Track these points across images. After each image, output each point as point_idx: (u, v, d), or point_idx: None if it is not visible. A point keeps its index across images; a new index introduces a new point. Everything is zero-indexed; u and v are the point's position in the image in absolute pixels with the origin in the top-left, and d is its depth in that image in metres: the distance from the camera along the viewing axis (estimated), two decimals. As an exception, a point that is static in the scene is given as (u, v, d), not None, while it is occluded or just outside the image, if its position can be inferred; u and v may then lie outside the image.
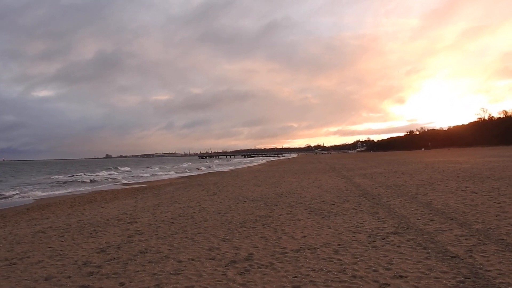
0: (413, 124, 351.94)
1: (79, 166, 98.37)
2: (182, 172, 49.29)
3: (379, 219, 8.44)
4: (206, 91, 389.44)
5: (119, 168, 71.46)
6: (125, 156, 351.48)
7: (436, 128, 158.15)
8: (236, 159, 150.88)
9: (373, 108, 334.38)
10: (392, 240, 6.48)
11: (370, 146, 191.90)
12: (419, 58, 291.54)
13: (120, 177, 42.90)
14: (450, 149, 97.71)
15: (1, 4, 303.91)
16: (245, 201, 12.68)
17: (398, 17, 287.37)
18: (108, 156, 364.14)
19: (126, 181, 35.03)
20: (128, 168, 70.34)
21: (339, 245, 6.44)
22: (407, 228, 7.31)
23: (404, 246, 6.06)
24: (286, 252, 6.15)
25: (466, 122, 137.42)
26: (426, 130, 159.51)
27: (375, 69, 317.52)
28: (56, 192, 26.20)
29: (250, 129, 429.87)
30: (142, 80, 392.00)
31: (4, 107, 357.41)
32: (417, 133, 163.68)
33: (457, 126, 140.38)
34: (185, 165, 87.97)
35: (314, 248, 6.32)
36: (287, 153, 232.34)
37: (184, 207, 12.30)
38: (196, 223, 9.12)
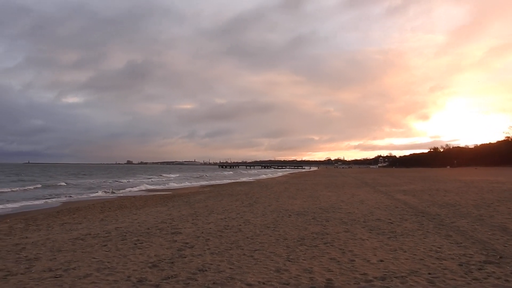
0: (436, 141, 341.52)
1: (117, 172, 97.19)
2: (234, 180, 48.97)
3: (457, 243, 7.46)
4: (229, 102, 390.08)
5: (163, 174, 72.12)
6: (146, 163, 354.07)
7: (461, 146, 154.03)
8: (268, 170, 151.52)
9: (395, 123, 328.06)
10: (493, 272, 5.51)
11: (392, 161, 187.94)
12: (443, 75, 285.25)
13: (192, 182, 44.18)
14: (477, 168, 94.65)
15: (43, 16, 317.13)
16: (290, 215, 11.82)
17: (424, 33, 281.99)
18: (129, 162, 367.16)
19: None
20: (177, 175, 71.44)
21: (429, 274, 5.52)
22: (501, 257, 6.32)
23: (514, 280, 5.10)
24: (370, 280, 5.26)
25: (491, 141, 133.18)
26: (451, 147, 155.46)
27: (399, 84, 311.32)
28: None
29: (270, 140, 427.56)
30: (167, 89, 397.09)
31: (34, 112, 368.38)
32: (442, 150, 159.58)
33: (484, 144, 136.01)
34: (225, 173, 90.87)
35: (402, 276, 5.42)
36: (307, 166, 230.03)
37: (225, 218, 11.52)
38: (247, 238, 8.30)
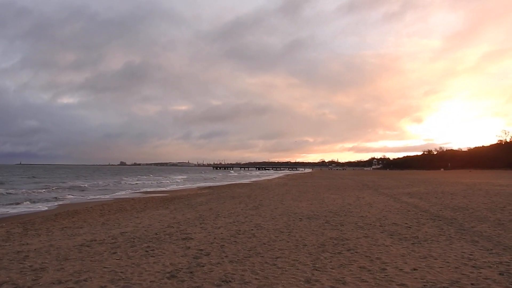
0: (429, 144, 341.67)
1: (117, 172, 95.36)
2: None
3: (487, 250, 7.07)
4: (225, 103, 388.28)
5: (170, 176, 71.84)
6: (139, 164, 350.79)
7: (454, 149, 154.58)
8: (267, 171, 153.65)
9: (390, 126, 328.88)
10: (542, 282, 5.12)
11: (386, 164, 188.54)
12: (438, 79, 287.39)
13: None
14: (471, 171, 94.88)
15: (43, 17, 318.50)
16: (301, 219, 11.38)
17: (420, 38, 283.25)
18: (122, 163, 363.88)
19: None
20: (185, 176, 71.27)
21: (472, 284, 5.12)
22: (541, 265, 5.94)
23: None
24: (412, 292, 4.84)
25: (484, 144, 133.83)
26: (444, 150, 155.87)
27: (394, 88, 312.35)
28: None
29: (265, 142, 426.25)
30: (164, 91, 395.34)
31: (28, 112, 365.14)
32: (435, 153, 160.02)
33: (477, 147, 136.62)
34: (230, 174, 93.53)
35: (444, 287, 5.01)
36: (301, 168, 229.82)
37: (234, 222, 11.06)
38: (264, 244, 7.85)
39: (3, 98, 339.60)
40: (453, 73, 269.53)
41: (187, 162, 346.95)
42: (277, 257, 6.69)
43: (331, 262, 6.37)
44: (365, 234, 8.84)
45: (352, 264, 6.20)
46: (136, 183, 45.11)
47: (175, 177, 67.82)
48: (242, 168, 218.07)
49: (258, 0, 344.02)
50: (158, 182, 50.33)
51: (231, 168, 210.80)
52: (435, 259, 6.50)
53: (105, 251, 7.35)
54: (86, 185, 39.11)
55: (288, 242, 8.01)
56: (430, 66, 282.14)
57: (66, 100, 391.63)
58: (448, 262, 6.25)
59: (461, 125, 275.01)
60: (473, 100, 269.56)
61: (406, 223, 10.23)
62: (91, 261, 6.60)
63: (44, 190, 31.52)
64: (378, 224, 10.16)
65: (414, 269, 5.88)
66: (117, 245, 7.98)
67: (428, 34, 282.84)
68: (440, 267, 5.96)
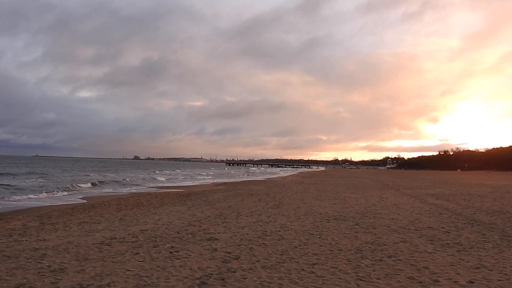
0: (444, 144, 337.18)
1: (137, 167, 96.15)
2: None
3: (545, 261, 6.40)
4: (240, 100, 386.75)
5: (199, 172, 71.56)
6: (153, 159, 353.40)
7: (471, 150, 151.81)
8: (283, 168, 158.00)
9: (405, 125, 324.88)
10: None
11: (400, 163, 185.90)
12: (456, 79, 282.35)
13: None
14: (489, 172, 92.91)
15: (66, 12, 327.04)
16: (328, 220, 10.80)
17: (438, 37, 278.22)
18: (136, 158, 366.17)
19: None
20: (211, 172, 71.66)
21: (544, 303, 4.49)
22: None
23: None
24: (477, 310, 4.24)
25: (502, 145, 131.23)
26: (461, 150, 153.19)
27: (410, 87, 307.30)
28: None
29: (278, 139, 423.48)
30: (180, 86, 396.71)
31: (47, 105, 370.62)
32: (451, 153, 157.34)
33: (496, 148, 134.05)
34: (250, 170, 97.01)
35: (513, 305, 4.39)
36: (314, 165, 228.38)
37: (257, 222, 10.52)
38: (295, 247, 7.29)
39: (22, 91, 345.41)
40: (471, 74, 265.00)
41: (200, 157, 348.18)
42: (314, 264, 6.12)
43: (374, 270, 5.77)
44: (402, 238, 8.21)
45: (398, 274, 5.59)
46: (169, 178, 46.27)
47: (202, 173, 67.65)
48: (255, 165, 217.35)
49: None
50: (191, 177, 51.62)
51: (245, 165, 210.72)
52: (490, 270, 5.85)
53: (126, 251, 6.86)
54: (127, 179, 39.38)
55: (321, 246, 7.44)
56: (448, 66, 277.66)
57: (84, 94, 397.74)
58: (506, 275, 5.61)
59: (478, 126, 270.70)
60: (490, 101, 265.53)
61: (443, 227, 9.56)
62: (112, 262, 6.11)
63: (89, 184, 30.99)
64: (413, 228, 9.51)
65: (471, 282, 5.25)
66: (139, 244, 7.49)
67: (446, 34, 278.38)
68: (499, 280, 5.33)
